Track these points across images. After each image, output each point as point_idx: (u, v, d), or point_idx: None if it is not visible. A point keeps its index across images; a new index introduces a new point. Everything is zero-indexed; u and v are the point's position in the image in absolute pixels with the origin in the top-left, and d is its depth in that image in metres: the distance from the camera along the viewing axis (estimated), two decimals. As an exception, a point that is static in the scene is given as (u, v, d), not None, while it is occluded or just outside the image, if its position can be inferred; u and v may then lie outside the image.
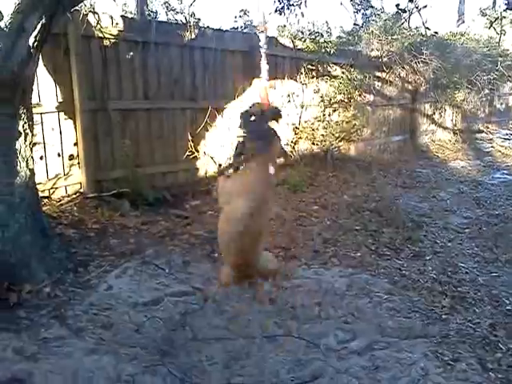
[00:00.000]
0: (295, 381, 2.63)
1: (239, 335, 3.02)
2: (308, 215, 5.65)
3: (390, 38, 8.90)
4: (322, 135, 8.14)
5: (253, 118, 3.23)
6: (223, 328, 3.10)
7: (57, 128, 5.15)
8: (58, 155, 5.19)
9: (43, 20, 3.32)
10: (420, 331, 3.23)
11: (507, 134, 13.31)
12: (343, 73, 8.45)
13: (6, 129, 3.40)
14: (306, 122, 8.14)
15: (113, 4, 6.38)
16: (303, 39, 8.16)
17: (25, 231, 3.44)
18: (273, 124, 3.34)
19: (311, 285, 3.80)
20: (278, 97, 7.73)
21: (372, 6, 12.15)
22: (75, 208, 4.90)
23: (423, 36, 8.97)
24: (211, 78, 6.68)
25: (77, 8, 4.76)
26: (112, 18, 5.52)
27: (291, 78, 7.91)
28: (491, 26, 11.55)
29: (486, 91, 11.28)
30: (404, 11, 7.02)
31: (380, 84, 9.70)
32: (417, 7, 6.56)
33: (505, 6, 8.54)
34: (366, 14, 13.06)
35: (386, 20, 9.31)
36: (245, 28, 10.43)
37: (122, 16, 5.86)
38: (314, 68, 8.15)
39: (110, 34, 5.45)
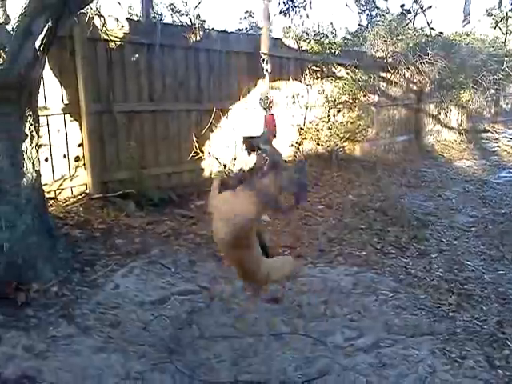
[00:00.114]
0: (302, 378, 2.64)
1: (246, 333, 3.03)
2: (313, 214, 5.66)
3: (394, 38, 8.90)
4: (327, 136, 8.14)
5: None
6: (230, 326, 3.11)
7: (62, 130, 5.18)
8: (64, 157, 5.22)
9: (50, 23, 3.34)
10: (427, 329, 3.23)
11: (513, 134, 13.27)
12: (348, 73, 8.45)
13: (12, 130, 3.42)
14: (310, 122, 8.14)
15: (118, 7, 6.38)
16: (308, 40, 8.16)
17: (31, 232, 3.46)
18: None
19: (317, 283, 3.82)
20: (283, 98, 7.75)
21: (377, 7, 12.14)
22: (81, 209, 4.93)
23: (428, 36, 8.96)
24: (216, 80, 6.70)
25: (83, 11, 4.78)
26: (118, 20, 5.55)
27: (296, 79, 7.92)
28: (497, 25, 11.55)
29: (492, 91, 11.26)
30: (409, 12, 7.03)
31: (385, 84, 9.69)
32: (421, 8, 6.57)
33: (510, 6, 8.53)
34: (371, 15, 13.06)
35: (390, 21, 9.31)
36: (250, 29, 10.45)
37: (127, 19, 5.90)
38: (318, 69, 8.16)
39: (116, 37, 5.48)
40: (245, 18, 10.08)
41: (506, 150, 11.29)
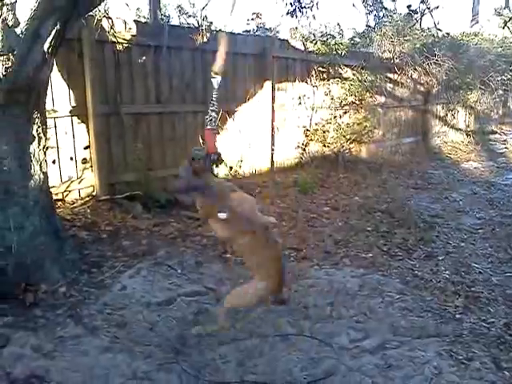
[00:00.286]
0: (308, 378, 2.64)
1: (252, 334, 3.03)
2: (319, 216, 5.66)
3: (402, 39, 8.87)
4: (333, 137, 8.14)
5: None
6: (236, 327, 3.11)
7: (70, 132, 5.22)
8: (71, 159, 5.27)
9: (58, 26, 3.37)
10: (433, 330, 3.22)
11: (521, 135, 13.19)
12: (354, 74, 8.45)
13: (20, 132, 3.45)
14: (316, 124, 8.14)
15: (126, 9, 6.42)
16: (314, 41, 8.16)
17: (39, 233, 3.49)
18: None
19: (323, 285, 3.81)
20: (289, 99, 7.76)
21: (385, 8, 12.10)
22: (88, 210, 4.97)
23: (435, 37, 8.93)
24: (222, 82, 6.69)
25: (91, 13, 4.82)
26: (125, 22, 5.59)
27: (302, 81, 7.93)
28: (505, 25, 11.49)
29: (500, 92, 11.17)
30: (415, 12, 7.00)
31: (392, 85, 9.67)
32: (428, 8, 6.54)
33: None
34: (378, 16, 13.01)
35: (397, 21, 9.28)
36: (257, 31, 10.46)
37: (135, 21, 5.93)
38: (325, 70, 8.16)
39: (123, 39, 5.51)
40: (252, 19, 10.10)
41: (513, 152, 11.24)
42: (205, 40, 6.31)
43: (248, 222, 2.91)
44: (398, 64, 9.10)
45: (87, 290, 3.47)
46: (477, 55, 10.10)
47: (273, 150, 7.46)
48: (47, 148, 3.86)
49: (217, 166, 3.28)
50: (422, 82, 9.90)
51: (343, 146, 8.20)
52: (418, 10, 6.77)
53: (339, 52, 8.12)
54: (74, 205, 5.06)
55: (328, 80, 8.23)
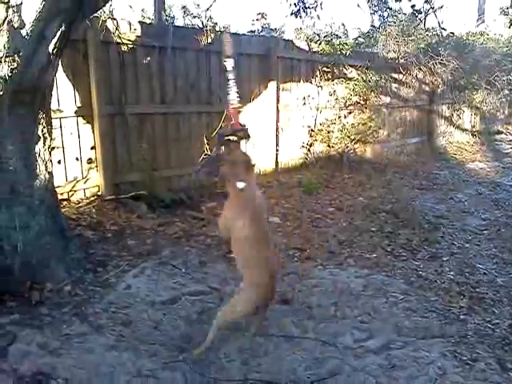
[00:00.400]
0: (312, 378, 2.65)
1: (256, 334, 3.04)
2: (323, 217, 5.66)
3: (407, 39, 8.85)
4: (338, 137, 8.14)
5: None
6: (240, 326, 3.12)
7: (75, 132, 5.24)
8: (77, 159, 5.29)
9: (63, 27, 3.39)
10: (437, 331, 3.22)
11: (527, 135, 13.13)
12: (359, 75, 8.44)
13: (26, 133, 3.47)
14: (321, 124, 8.14)
15: (131, 10, 6.44)
16: (319, 42, 8.16)
17: (45, 232, 3.51)
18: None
19: (327, 285, 3.82)
20: (294, 99, 7.76)
21: (389, 8, 12.07)
22: (93, 210, 4.99)
23: (439, 37, 8.90)
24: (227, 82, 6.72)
25: (96, 15, 4.84)
26: (130, 23, 5.61)
27: (307, 81, 7.93)
28: (511, 25, 11.44)
29: (506, 92, 11.10)
30: (420, 12, 6.99)
31: (396, 85, 9.65)
32: (432, 8, 6.53)
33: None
34: (383, 16, 12.98)
35: (401, 21, 9.26)
36: (262, 31, 10.47)
37: (139, 22, 5.95)
38: (329, 70, 8.16)
39: (128, 40, 5.53)
40: (257, 19, 10.10)
41: (519, 152, 11.19)
42: (209, 41, 6.33)
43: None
44: (402, 64, 9.07)
45: (92, 289, 3.49)
46: (482, 55, 10.07)
47: (277, 150, 7.47)
48: (52, 148, 3.89)
49: (246, 139, 3.28)
50: (427, 81, 9.87)
51: (348, 147, 8.19)
52: (422, 10, 6.75)
53: (344, 52, 8.12)
54: (80, 204, 5.08)
55: (332, 80, 8.23)
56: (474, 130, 12.55)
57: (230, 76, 3.35)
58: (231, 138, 3.10)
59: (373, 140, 8.75)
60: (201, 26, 6.77)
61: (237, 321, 2.99)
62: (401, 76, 9.44)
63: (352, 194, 6.77)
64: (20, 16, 3.16)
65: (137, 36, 5.64)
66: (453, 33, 8.74)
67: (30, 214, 3.43)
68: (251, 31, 9.89)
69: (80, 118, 5.26)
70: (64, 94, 5.05)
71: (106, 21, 5.27)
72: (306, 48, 8.00)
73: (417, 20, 8.66)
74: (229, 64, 3.35)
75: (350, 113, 8.53)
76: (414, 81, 9.73)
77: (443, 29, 7.69)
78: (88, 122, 5.31)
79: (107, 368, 2.59)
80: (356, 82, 8.33)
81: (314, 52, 8.02)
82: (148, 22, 7.90)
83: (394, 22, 9.48)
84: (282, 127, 7.51)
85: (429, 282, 4.00)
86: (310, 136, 8.03)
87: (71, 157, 5.23)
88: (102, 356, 2.70)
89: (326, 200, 6.42)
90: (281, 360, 2.80)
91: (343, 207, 6.08)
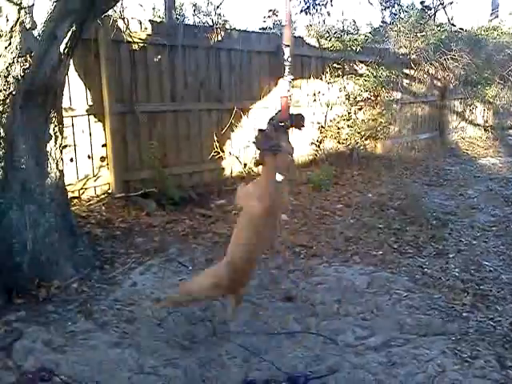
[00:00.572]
0: (312, 375, 2.69)
1: (258, 331, 3.10)
2: (331, 213, 5.69)
3: (418, 34, 8.79)
4: (348, 134, 8.14)
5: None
6: (243, 324, 3.18)
7: (87, 130, 5.34)
8: (88, 157, 5.39)
9: (74, 27, 3.46)
10: (439, 328, 3.23)
11: (541, 130, 12.95)
12: (369, 70, 8.41)
13: (38, 132, 3.56)
14: (331, 120, 8.15)
15: (141, 9, 6.50)
16: (329, 38, 8.16)
17: (54, 230, 3.60)
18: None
19: (331, 282, 3.85)
20: (304, 96, 7.78)
21: (399, 4, 11.96)
22: (103, 208, 5.09)
23: (450, 32, 8.82)
24: (237, 80, 6.79)
25: (107, 14, 4.91)
26: (141, 22, 5.68)
27: (317, 77, 7.94)
28: (525, 18, 11.27)
29: (520, 86, 10.99)
30: (429, 8, 6.95)
31: (408, 81, 9.61)
32: (442, 3, 6.48)
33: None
34: (393, 12, 12.85)
35: (410, 16, 9.19)
36: (273, 28, 10.47)
37: (150, 20, 6.02)
38: (339, 66, 8.16)
39: (139, 39, 5.61)
40: (268, 16, 10.07)
41: (533, 148, 11.05)
42: (219, 38, 6.37)
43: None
44: (414, 59, 9.01)
45: (99, 286, 3.57)
46: (495, 50, 9.95)
47: (287, 146, 7.48)
48: (64, 146, 3.98)
49: (299, 128, 3.34)
50: (439, 77, 9.80)
51: (358, 143, 8.19)
52: (431, 6, 6.72)
53: (354, 48, 8.11)
54: (90, 202, 5.18)
55: (343, 76, 8.24)
56: (487, 125, 12.43)
57: (287, 64, 3.38)
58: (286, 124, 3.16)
59: (383, 136, 8.74)
60: (211, 23, 6.80)
61: (198, 298, 3.06)
62: (412, 71, 9.38)
63: (361, 191, 6.78)
64: (32, 17, 3.22)
65: (147, 35, 5.72)
66: (462, 28, 8.65)
67: (40, 212, 3.51)
68: (262, 28, 9.89)
69: (91, 117, 5.36)
70: (76, 92, 5.14)
71: (116, 20, 5.35)
72: (317, 45, 8.01)
73: (426, 16, 8.57)
74: (287, 51, 3.37)
75: (361, 109, 8.51)
76: (425, 76, 9.67)
77: (453, 25, 7.62)
78: (99, 120, 5.41)
79: (110, 365, 2.64)
80: (366, 78, 8.31)
81: (325, 48, 8.02)
82: (158, 20, 7.95)
83: (406, 18, 9.41)
84: (292, 124, 7.51)
85: (433, 280, 4.00)
86: (320, 132, 8.04)
87: (83, 155, 5.33)
88: (106, 353, 2.75)
89: (335, 197, 6.44)
90: (282, 357, 2.84)
91: (352, 204, 6.10)
